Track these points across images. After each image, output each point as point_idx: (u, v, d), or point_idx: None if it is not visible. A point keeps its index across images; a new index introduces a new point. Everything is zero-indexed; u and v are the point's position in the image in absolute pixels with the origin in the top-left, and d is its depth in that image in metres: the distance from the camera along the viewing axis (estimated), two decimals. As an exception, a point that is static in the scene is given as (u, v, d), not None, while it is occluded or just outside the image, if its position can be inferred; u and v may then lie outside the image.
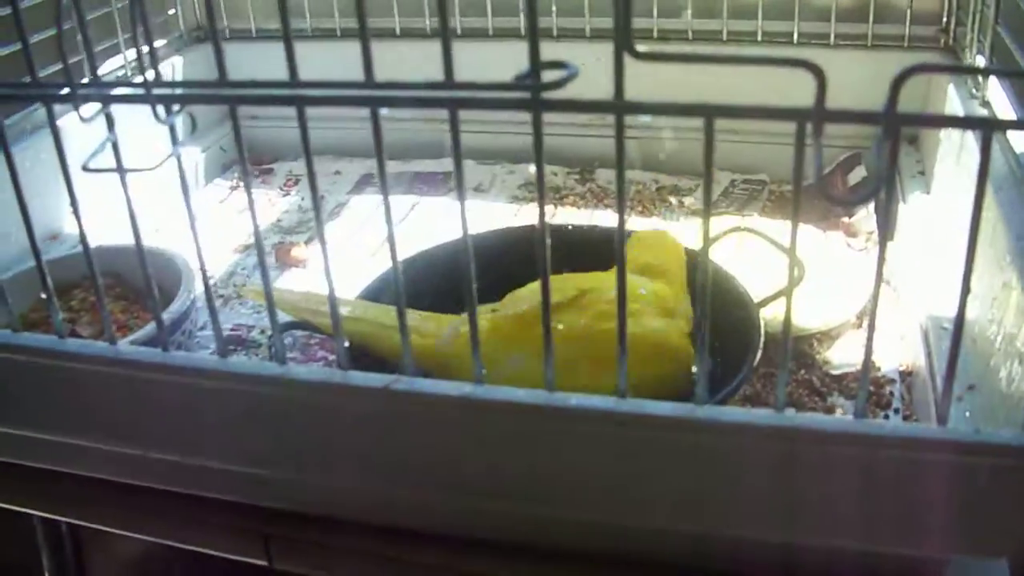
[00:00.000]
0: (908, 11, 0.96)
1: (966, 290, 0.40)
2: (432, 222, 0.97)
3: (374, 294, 0.71)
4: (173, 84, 0.46)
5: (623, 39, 0.37)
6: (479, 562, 0.54)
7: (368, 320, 0.66)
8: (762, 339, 0.63)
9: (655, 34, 1.03)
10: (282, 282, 0.89)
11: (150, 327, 0.72)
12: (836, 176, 0.98)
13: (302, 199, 1.05)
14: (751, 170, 1.01)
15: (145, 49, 0.45)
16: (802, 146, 0.39)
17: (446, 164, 1.08)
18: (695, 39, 1.02)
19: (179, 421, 0.53)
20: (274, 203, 1.04)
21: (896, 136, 0.38)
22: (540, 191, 0.42)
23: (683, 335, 0.63)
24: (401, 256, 0.75)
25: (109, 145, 0.47)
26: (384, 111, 0.43)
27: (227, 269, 0.91)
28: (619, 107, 0.39)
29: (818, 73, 0.37)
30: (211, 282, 0.89)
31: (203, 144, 1.12)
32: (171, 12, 1.16)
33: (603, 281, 0.64)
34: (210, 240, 0.95)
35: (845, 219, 0.90)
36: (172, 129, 0.47)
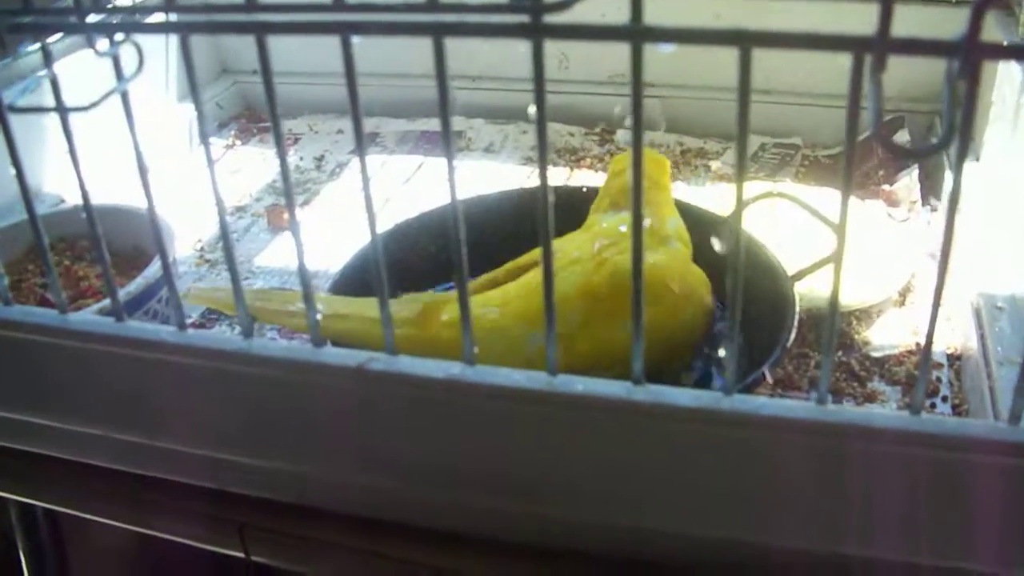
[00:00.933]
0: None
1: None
2: (437, 183, 0.90)
3: (354, 271, 0.64)
4: (114, 11, 0.39)
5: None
6: (467, 560, 0.48)
7: (350, 316, 0.57)
8: (797, 315, 0.56)
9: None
10: (273, 247, 0.83)
11: (121, 292, 0.66)
12: (875, 140, 0.91)
13: (300, 158, 0.98)
14: (783, 133, 0.93)
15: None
16: (859, 83, 0.32)
17: (457, 123, 1.01)
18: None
19: (140, 399, 0.47)
20: (270, 163, 0.98)
21: (976, 72, 0.31)
22: (541, 137, 0.35)
23: (686, 260, 0.57)
24: (393, 220, 0.69)
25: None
26: (357, 39, 0.36)
27: (217, 232, 0.85)
28: (636, 32, 0.32)
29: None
30: (199, 245, 0.84)
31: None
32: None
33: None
34: (200, 201, 0.89)
35: (886, 187, 0.82)
36: (115, 61, 0.40)
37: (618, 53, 0.99)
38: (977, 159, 0.80)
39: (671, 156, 0.91)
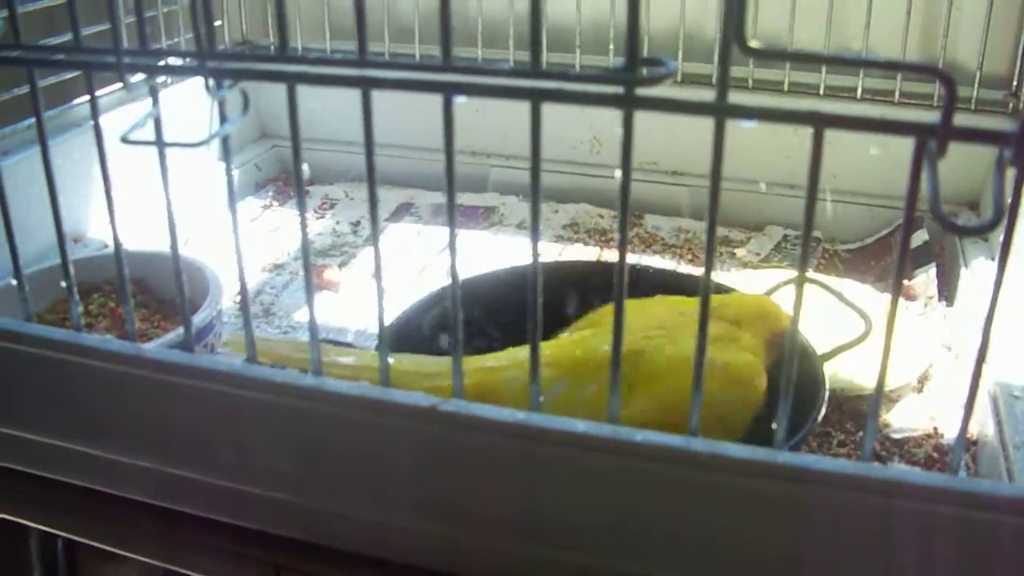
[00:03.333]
0: (978, 72, 0.93)
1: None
2: (468, 255, 0.93)
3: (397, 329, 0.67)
4: (225, 56, 0.42)
5: (735, 30, 0.34)
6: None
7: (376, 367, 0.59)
8: (827, 393, 0.59)
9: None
10: (316, 305, 0.85)
11: (171, 335, 0.68)
12: (893, 237, 0.94)
13: (336, 222, 1.01)
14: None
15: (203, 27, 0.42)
16: (919, 166, 0.35)
17: (488, 199, 1.04)
18: (755, 88, 0.99)
19: (195, 431, 0.49)
20: (307, 225, 1.01)
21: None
22: (623, 204, 0.38)
23: (760, 374, 0.59)
24: (428, 290, 0.72)
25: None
26: (461, 98, 0.39)
27: (254, 287, 0.88)
28: (720, 109, 0.36)
29: (948, 83, 0.33)
30: (239, 297, 0.86)
31: (238, 161, 1.10)
32: (218, 23, 1.13)
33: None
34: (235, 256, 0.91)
35: (904, 281, 0.86)
36: (221, 104, 0.43)
37: (650, 140, 1.03)
38: (991, 258, 0.84)
39: (697, 242, 0.95)
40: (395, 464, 0.45)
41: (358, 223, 1.01)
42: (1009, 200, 0.35)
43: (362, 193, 1.07)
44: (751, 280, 0.79)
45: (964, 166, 0.92)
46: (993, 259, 0.83)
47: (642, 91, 0.36)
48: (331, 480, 0.47)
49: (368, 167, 0.40)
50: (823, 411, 0.58)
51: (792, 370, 0.39)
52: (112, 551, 0.61)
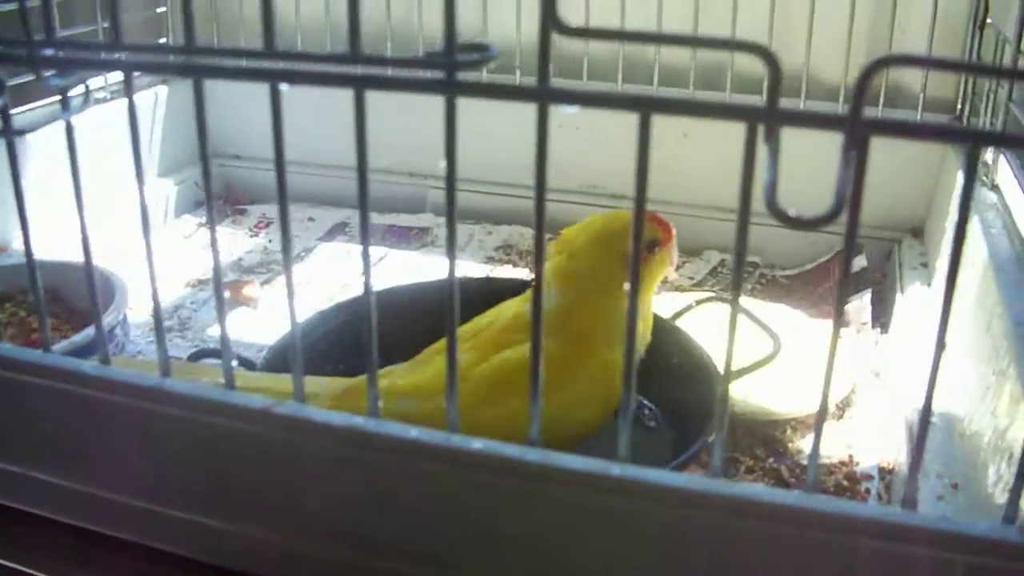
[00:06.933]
0: (921, 96, 0.91)
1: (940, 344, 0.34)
2: (396, 275, 0.91)
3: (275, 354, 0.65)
4: (63, 44, 0.40)
5: (550, 12, 0.32)
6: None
7: (264, 389, 0.55)
8: (726, 415, 0.56)
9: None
10: (233, 320, 0.84)
11: (74, 339, 0.67)
12: (832, 264, 0.92)
13: (269, 241, 0.99)
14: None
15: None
16: (752, 151, 0.33)
17: (423, 219, 1.02)
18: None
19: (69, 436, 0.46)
20: (239, 243, 0.99)
21: (863, 146, 0.32)
22: (450, 198, 0.36)
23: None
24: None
25: None
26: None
27: (175, 301, 0.86)
28: (543, 93, 0.34)
29: (771, 61, 0.31)
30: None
31: (179, 178, 1.08)
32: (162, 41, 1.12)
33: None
34: (164, 272, 0.89)
35: (837, 306, 0.83)
36: (63, 93, 0.41)
37: (590, 164, 1.02)
38: (929, 284, 0.82)
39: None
40: (229, 467, 0.43)
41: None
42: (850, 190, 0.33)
43: (299, 213, 1.05)
44: (673, 301, 0.76)
45: (908, 193, 0.90)
46: (930, 286, 0.81)
47: (464, 76, 0.34)
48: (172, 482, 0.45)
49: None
50: (714, 435, 0.55)
51: (631, 390, 0.36)
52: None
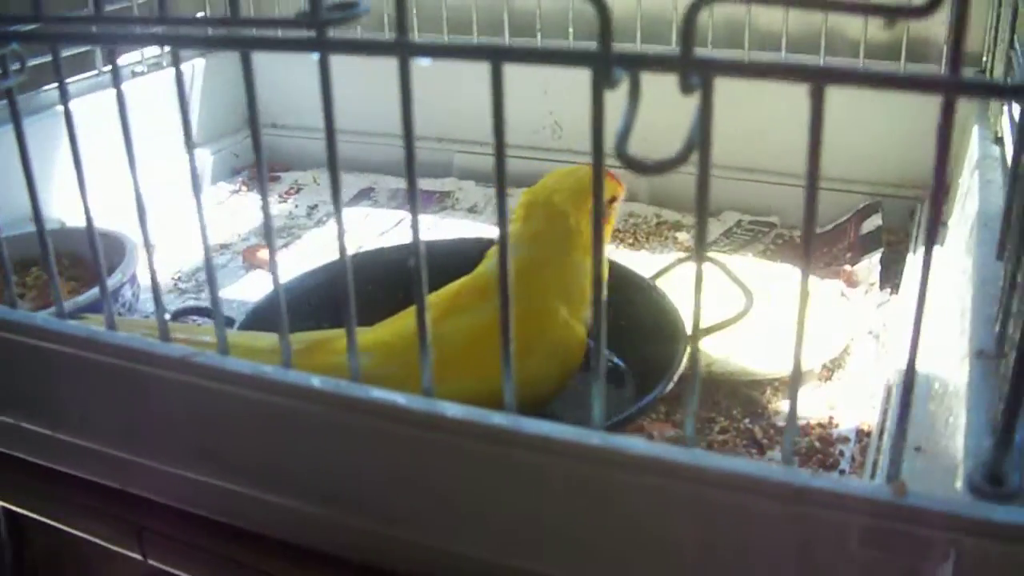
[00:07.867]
0: (945, 47, 0.88)
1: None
2: (407, 237, 0.92)
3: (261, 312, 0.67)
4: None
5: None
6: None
7: (237, 346, 0.58)
8: (681, 365, 0.56)
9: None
10: (245, 282, 0.86)
11: (80, 297, 0.71)
12: (851, 224, 0.90)
13: (295, 206, 1.02)
14: (762, 211, 0.93)
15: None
16: (600, 97, 0.33)
17: (447, 184, 1.03)
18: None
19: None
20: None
21: (707, 87, 0.31)
22: (331, 153, 0.37)
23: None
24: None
25: None
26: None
27: (196, 264, 0.89)
28: (402, 47, 0.34)
29: (601, 7, 0.31)
30: (177, 274, 0.87)
31: (217, 147, 1.11)
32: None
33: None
34: (190, 237, 0.92)
35: (847, 267, 0.81)
36: (3, 60, 0.43)
37: (611, 127, 1.00)
38: (943, 244, 0.79)
39: (646, 226, 0.92)
40: (151, 414, 0.45)
41: (315, 207, 1.02)
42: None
43: (326, 178, 1.07)
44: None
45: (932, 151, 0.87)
46: (943, 245, 0.78)
47: (335, 33, 0.35)
48: (136, 434, 0.47)
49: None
50: (671, 383, 0.55)
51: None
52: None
